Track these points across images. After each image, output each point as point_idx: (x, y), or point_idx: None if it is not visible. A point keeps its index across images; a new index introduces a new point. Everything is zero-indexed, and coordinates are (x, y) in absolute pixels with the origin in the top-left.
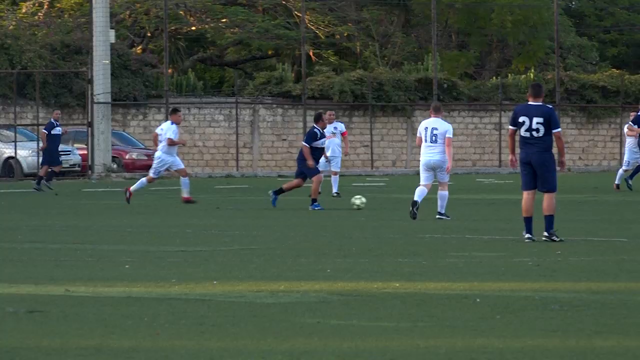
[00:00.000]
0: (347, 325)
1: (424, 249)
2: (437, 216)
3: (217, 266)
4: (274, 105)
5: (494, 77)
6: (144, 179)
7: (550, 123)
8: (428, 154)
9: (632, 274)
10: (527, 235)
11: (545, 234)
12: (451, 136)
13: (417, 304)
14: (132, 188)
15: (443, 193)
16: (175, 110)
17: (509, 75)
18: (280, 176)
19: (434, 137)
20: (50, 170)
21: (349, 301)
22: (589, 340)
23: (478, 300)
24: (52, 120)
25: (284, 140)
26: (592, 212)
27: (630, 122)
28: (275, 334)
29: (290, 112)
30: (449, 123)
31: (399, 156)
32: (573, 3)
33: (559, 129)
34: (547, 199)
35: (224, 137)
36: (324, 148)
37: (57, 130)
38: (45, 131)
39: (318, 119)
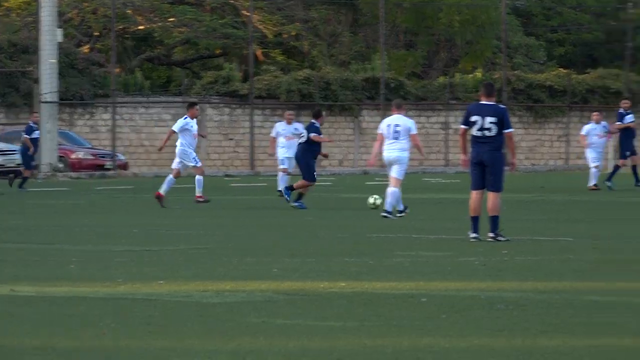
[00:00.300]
0: (293, 325)
1: (370, 248)
2: (383, 214)
3: (163, 266)
4: (221, 105)
5: (442, 77)
6: (199, 178)
7: (502, 123)
8: (388, 150)
9: (578, 273)
10: (473, 235)
11: (491, 234)
12: (415, 132)
13: (364, 303)
14: (197, 193)
15: (394, 190)
16: (192, 104)
17: (457, 74)
18: (227, 175)
19: (396, 134)
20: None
21: (296, 300)
22: (535, 339)
23: (424, 299)
24: (32, 123)
25: (231, 139)
26: (538, 211)
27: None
28: (221, 333)
29: (237, 112)
30: (410, 119)
31: (345, 156)
32: (521, 3)
33: (511, 130)
34: (492, 198)
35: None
36: (320, 144)
37: (36, 134)
38: (27, 135)
39: (318, 115)
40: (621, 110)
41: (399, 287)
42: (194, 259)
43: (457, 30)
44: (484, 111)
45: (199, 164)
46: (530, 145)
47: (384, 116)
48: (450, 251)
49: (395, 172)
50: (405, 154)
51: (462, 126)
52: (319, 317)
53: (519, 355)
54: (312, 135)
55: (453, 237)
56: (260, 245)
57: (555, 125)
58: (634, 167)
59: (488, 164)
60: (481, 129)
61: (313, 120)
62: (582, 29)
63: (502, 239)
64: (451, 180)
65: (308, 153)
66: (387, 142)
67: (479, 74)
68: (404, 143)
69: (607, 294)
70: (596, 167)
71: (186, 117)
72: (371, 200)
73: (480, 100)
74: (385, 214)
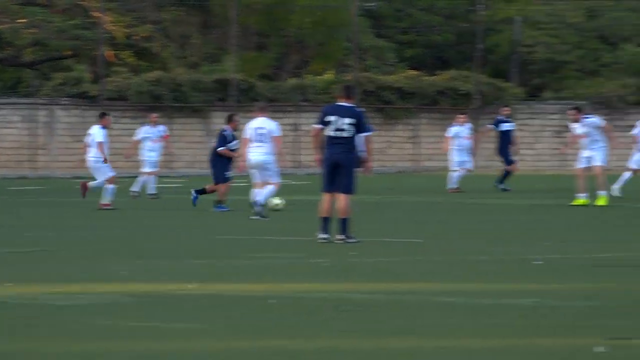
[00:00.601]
0: (141, 327)
1: (220, 250)
2: (254, 201)
3: (11, 268)
4: (71, 107)
5: (292, 78)
6: (108, 186)
7: (359, 125)
8: (252, 153)
9: (428, 274)
10: (323, 236)
11: (341, 236)
12: (278, 134)
13: (213, 305)
14: (106, 200)
15: (270, 187)
16: (104, 114)
17: (307, 76)
18: (76, 177)
19: (260, 137)
20: None
21: (144, 303)
22: (385, 340)
23: (273, 301)
24: None
25: (81, 141)
26: (388, 212)
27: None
28: (69, 336)
29: (87, 113)
30: (274, 122)
31: (196, 157)
32: (372, 4)
33: (369, 132)
34: (342, 200)
35: (20, 138)
36: (235, 150)
37: None
38: None
39: (230, 120)
40: (500, 117)
41: (248, 289)
42: (42, 261)
43: (308, 31)
44: (340, 112)
45: (114, 174)
46: (380, 147)
47: None
48: (300, 253)
49: (270, 179)
50: (271, 157)
51: (317, 126)
52: (167, 319)
53: (369, 356)
54: (225, 153)
55: (303, 239)
56: (109, 247)
57: (405, 127)
58: (506, 172)
59: (341, 165)
60: (337, 129)
61: (224, 127)
62: (432, 31)
63: (352, 240)
64: (302, 182)
65: (218, 158)
66: (252, 145)
67: (330, 75)
68: (268, 146)
69: (456, 295)
70: (463, 169)
71: (103, 127)
72: (276, 201)
73: (338, 102)
74: (256, 203)
